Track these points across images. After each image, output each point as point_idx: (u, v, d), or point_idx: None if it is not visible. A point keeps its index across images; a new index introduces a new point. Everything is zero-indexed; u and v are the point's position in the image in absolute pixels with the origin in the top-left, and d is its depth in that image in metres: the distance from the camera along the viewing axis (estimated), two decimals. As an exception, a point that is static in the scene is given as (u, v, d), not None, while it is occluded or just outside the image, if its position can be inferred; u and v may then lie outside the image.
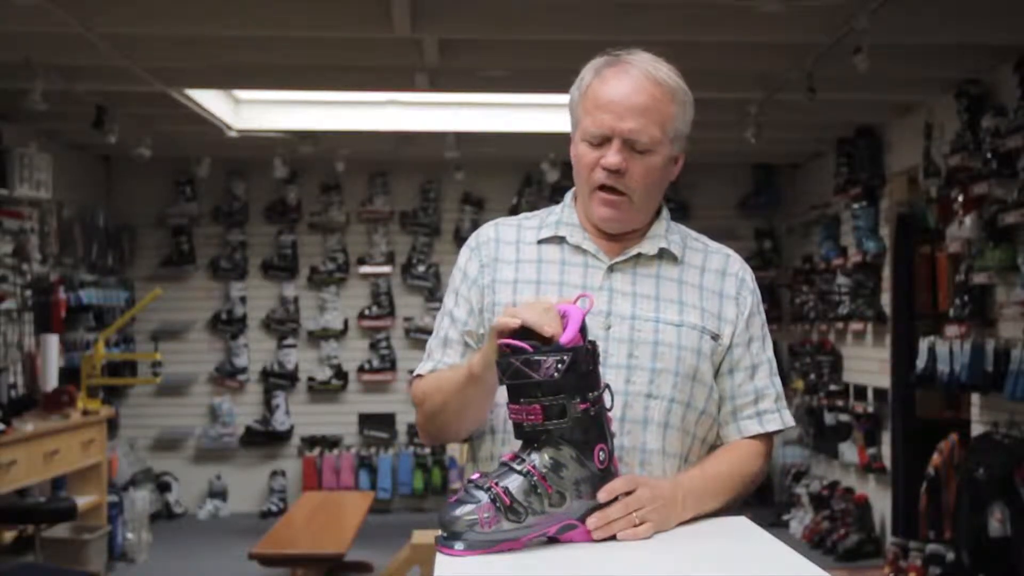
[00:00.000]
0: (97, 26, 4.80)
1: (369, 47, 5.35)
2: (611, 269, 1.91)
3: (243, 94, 7.18)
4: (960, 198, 5.58)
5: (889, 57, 5.06)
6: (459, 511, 1.57)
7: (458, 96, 6.86)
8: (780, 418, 1.93)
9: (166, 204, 8.72)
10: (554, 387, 1.59)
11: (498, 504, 1.57)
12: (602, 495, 1.64)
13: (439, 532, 1.59)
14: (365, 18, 4.78)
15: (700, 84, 5.56)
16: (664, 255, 1.93)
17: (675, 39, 5.18)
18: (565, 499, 1.62)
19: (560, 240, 1.94)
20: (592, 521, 1.64)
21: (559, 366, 1.58)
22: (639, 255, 1.91)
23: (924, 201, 6.25)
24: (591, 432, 1.63)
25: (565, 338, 1.60)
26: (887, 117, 6.87)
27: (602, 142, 1.84)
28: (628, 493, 1.66)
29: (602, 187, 1.86)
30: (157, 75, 5.69)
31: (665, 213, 1.98)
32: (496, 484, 1.59)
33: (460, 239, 8.43)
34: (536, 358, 1.58)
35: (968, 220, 5.49)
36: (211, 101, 6.70)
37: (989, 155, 5.29)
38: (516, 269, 1.93)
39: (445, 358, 1.94)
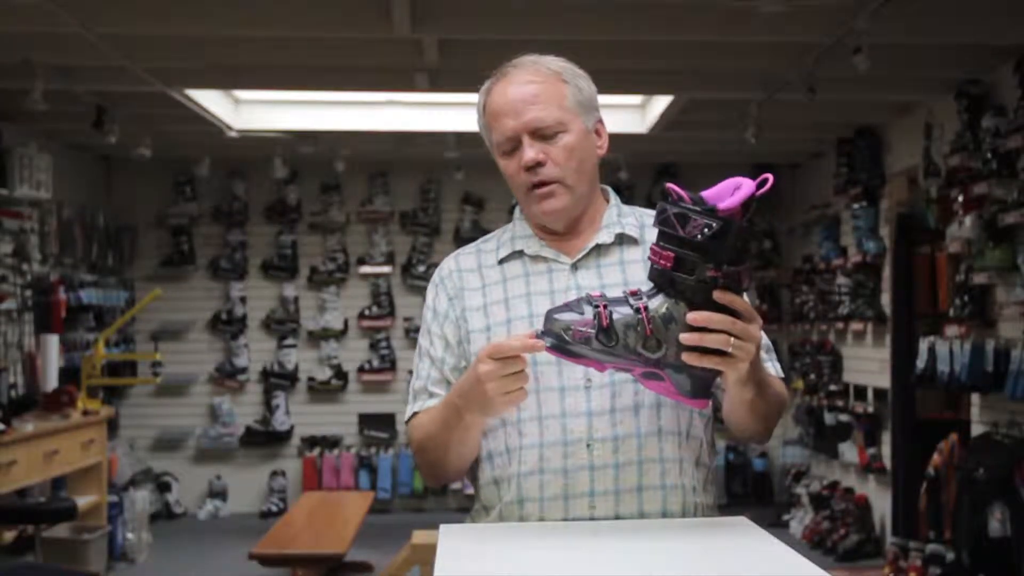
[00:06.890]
0: (97, 26, 4.79)
1: (369, 47, 5.35)
2: (574, 267, 1.93)
3: (243, 94, 7.18)
4: (960, 198, 5.58)
5: (889, 57, 5.06)
6: (562, 315, 1.64)
7: (458, 96, 6.86)
8: (774, 367, 1.92)
9: (166, 204, 8.72)
10: (692, 245, 1.59)
11: (596, 322, 1.61)
12: (719, 296, 1.61)
13: None
14: (365, 18, 4.78)
15: (700, 84, 5.56)
16: (623, 240, 1.95)
17: (675, 39, 5.19)
18: (661, 348, 1.63)
19: (520, 254, 1.97)
20: (693, 316, 1.61)
21: (705, 231, 1.58)
22: (598, 246, 1.93)
23: (924, 201, 6.25)
24: (712, 300, 1.61)
25: (724, 204, 1.59)
26: (887, 117, 6.86)
27: (515, 146, 1.89)
28: (738, 317, 1.62)
29: (533, 186, 1.89)
30: (157, 75, 5.69)
31: (614, 199, 2.01)
32: (605, 306, 1.63)
33: (460, 239, 8.42)
34: (688, 214, 1.58)
35: (968, 220, 5.49)
36: (211, 101, 6.70)
37: (989, 155, 5.29)
38: (484, 294, 1.95)
39: (430, 400, 1.94)
